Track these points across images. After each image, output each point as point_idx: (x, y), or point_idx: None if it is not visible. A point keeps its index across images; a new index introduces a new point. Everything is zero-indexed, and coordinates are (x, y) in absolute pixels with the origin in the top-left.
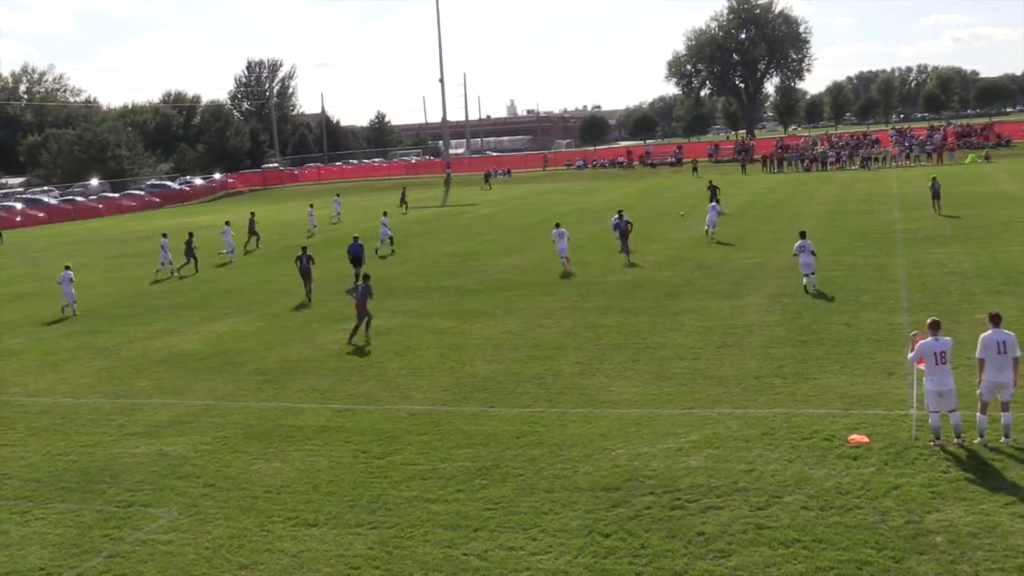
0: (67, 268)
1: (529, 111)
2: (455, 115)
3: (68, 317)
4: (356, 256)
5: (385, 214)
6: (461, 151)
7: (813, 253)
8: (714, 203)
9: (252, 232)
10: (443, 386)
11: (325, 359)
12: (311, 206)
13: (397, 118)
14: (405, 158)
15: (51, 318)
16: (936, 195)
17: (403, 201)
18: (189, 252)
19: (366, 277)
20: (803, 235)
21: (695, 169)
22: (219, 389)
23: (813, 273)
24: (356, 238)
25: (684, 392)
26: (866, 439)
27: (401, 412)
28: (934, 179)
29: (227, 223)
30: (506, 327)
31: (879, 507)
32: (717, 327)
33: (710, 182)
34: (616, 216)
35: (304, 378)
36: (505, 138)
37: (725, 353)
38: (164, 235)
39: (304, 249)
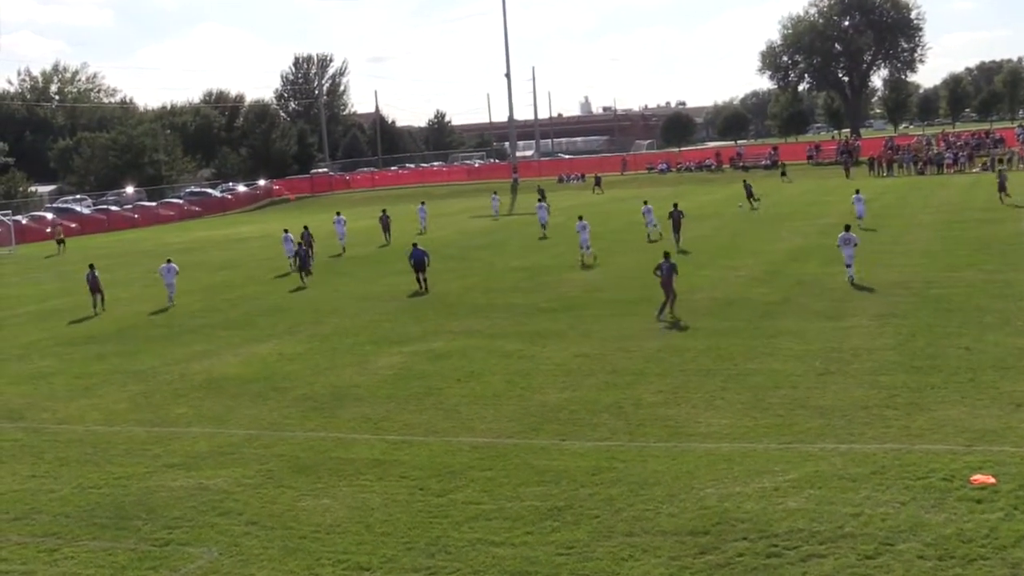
0: (169, 261)
1: (606, 108)
2: (523, 114)
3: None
4: (419, 261)
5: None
6: (530, 153)
7: (856, 245)
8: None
9: (308, 244)
10: (510, 416)
11: (379, 385)
12: (422, 204)
13: (458, 117)
14: (467, 161)
15: (83, 337)
16: None
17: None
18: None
19: (666, 255)
20: (848, 228)
21: (783, 173)
22: (263, 417)
23: (850, 266)
24: (416, 244)
25: (781, 424)
26: (992, 480)
27: (463, 445)
28: None
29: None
30: (580, 350)
31: (1009, 559)
32: (819, 351)
33: (744, 181)
34: (672, 207)
35: (356, 406)
36: (579, 139)
37: (828, 380)
38: (285, 230)
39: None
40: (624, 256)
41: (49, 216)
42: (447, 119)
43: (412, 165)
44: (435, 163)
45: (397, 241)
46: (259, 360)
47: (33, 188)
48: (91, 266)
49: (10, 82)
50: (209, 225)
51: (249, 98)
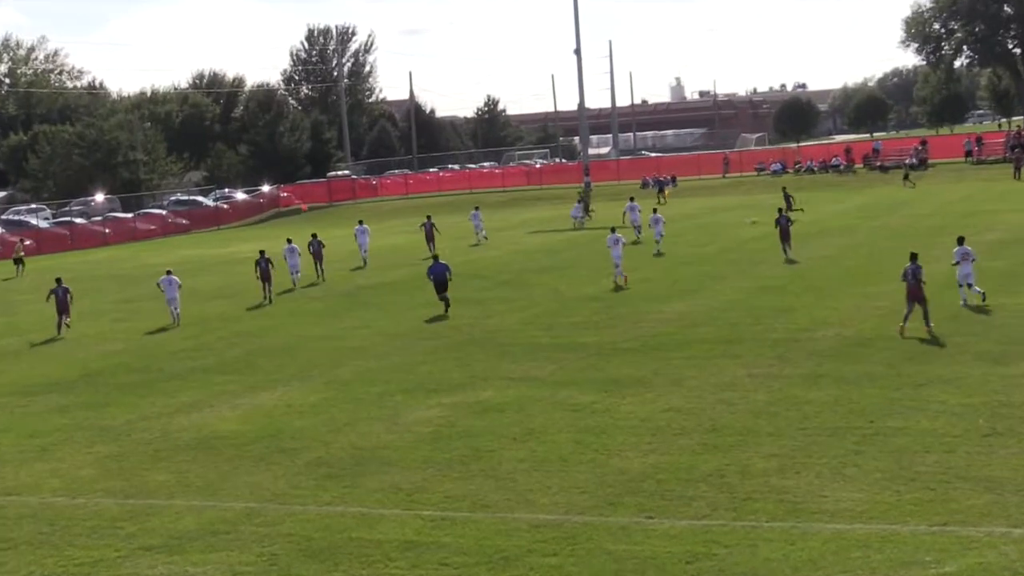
0: (168, 272)
1: (703, 94)
2: (597, 101)
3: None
4: (440, 277)
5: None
6: (606, 151)
7: (974, 260)
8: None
9: (317, 255)
10: (580, 486)
11: (413, 446)
12: (476, 210)
13: (515, 106)
14: (526, 161)
15: (39, 384)
16: None
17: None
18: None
19: (913, 256)
20: (961, 241)
21: (907, 177)
22: (266, 486)
23: (971, 285)
24: (436, 257)
25: (934, 500)
26: None
27: (520, 523)
28: None
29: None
30: (670, 403)
31: None
32: (982, 405)
33: (783, 188)
34: (778, 213)
35: (384, 472)
36: (669, 132)
37: (995, 444)
38: (288, 240)
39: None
40: (728, 281)
41: None
42: (500, 108)
43: (456, 166)
44: (485, 164)
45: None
46: (262, 413)
47: None
48: (59, 280)
49: None
50: (199, 242)
51: (250, 82)
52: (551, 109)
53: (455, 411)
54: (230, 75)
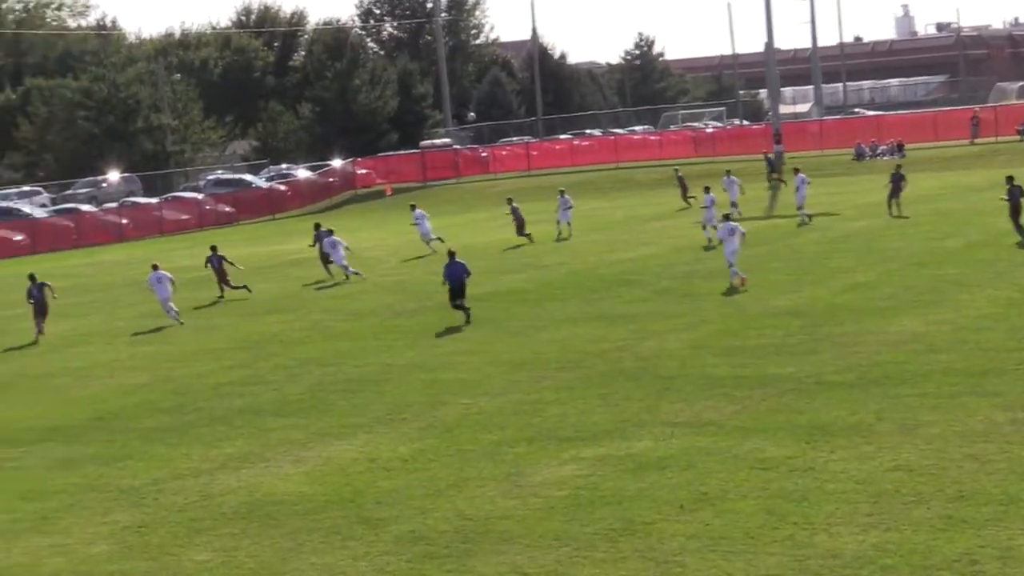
0: (156, 267)
1: (941, 27)
2: (790, 39)
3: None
4: (456, 280)
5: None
6: (804, 108)
7: None
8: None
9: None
10: (773, 574)
11: (542, 515)
12: (562, 193)
13: (677, 47)
14: (694, 124)
15: (37, 428)
16: None
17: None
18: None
19: None
20: None
21: None
22: (342, 570)
23: None
24: (453, 254)
25: None
26: None
27: None
28: None
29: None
30: (899, 458)
31: None
32: None
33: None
34: (1008, 183)
35: (501, 551)
36: (893, 81)
37: None
38: (330, 231)
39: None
40: (979, 290)
41: None
42: (657, 51)
43: (596, 131)
44: (636, 128)
45: (578, 255)
46: (336, 470)
47: None
48: (32, 277)
49: None
50: (248, 236)
51: (314, 18)
52: (727, 52)
53: (599, 468)
54: (287, 9)
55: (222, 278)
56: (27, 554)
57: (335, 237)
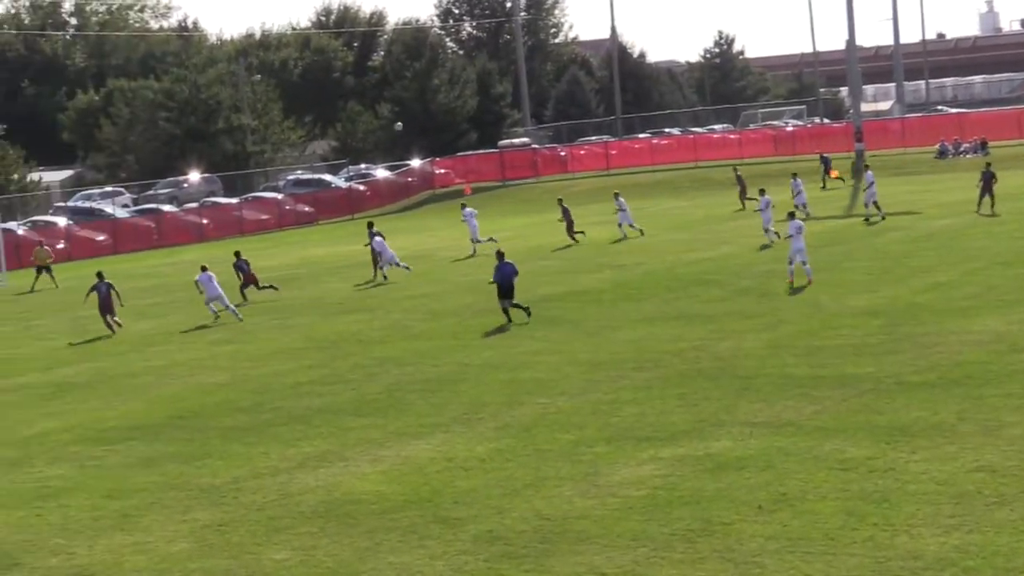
0: (204, 269)
1: None
2: (872, 36)
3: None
4: (506, 280)
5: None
6: (885, 106)
7: None
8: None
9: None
10: (852, 575)
11: (620, 515)
12: (617, 196)
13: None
14: (773, 123)
15: (118, 428)
16: None
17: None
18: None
19: None
20: None
21: None
22: (418, 568)
23: None
24: (502, 255)
25: None
26: None
27: None
28: None
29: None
30: (981, 459)
31: None
32: None
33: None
34: None
35: (579, 551)
36: (976, 79)
37: None
38: (378, 233)
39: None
40: None
41: (61, 222)
42: (737, 49)
43: (676, 130)
44: (716, 126)
45: (657, 255)
46: (414, 469)
47: (36, 175)
48: (100, 275)
49: None
50: (328, 236)
51: (394, 18)
52: (807, 50)
53: (677, 468)
54: (366, 9)
55: (251, 281)
56: (110, 552)
57: (380, 238)
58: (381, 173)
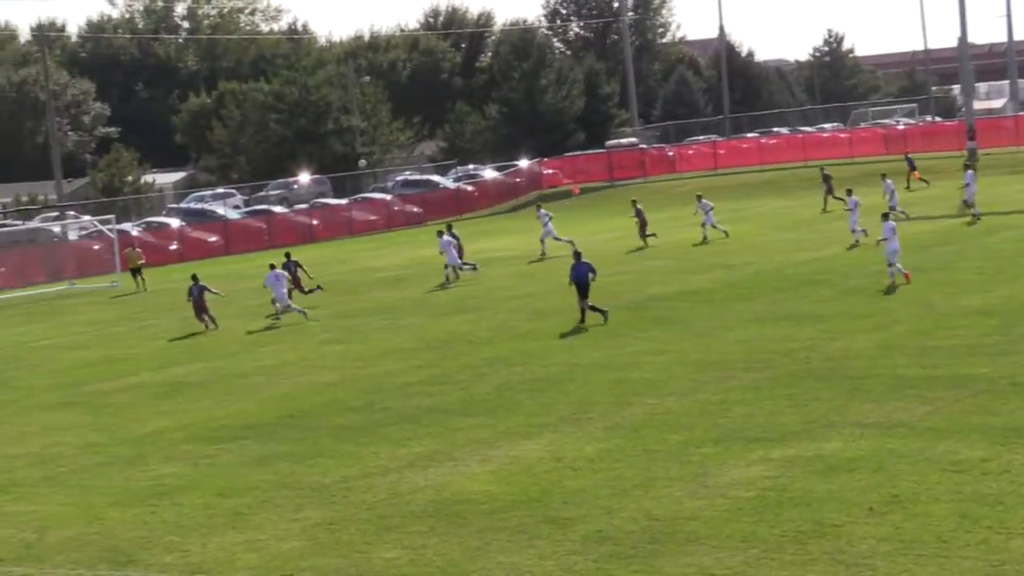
0: (272, 267)
1: None
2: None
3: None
4: (582, 280)
5: None
6: (999, 104)
7: None
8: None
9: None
10: None
11: (729, 516)
12: (700, 199)
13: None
14: (884, 121)
15: (231, 427)
16: None
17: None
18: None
19: None
20: None
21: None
22: (528, 568)
23: None
24: (579, 255)
25: None
26: None
27: None
28: None
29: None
30: None
31: None
32: None
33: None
34: None
35: (688, 552)
36: None
37: None
38: (450, 232)
39: (577, 255)
40: None
41: (174, 224)
42: (847, 47)
43: (785, 129)
44: (825, 125)
45: (766, 255)
46: (523, 469)
47: (149, 177)
48: (194, 278)
49: (112, 2)
50: (435, 237)
51: (501, 19)
52: (919, 47)
53: (787, 469)
54: (474, 10)
55: (296, 284)
56: (222, 549)
57: (447, 237)
58: (489, 174)
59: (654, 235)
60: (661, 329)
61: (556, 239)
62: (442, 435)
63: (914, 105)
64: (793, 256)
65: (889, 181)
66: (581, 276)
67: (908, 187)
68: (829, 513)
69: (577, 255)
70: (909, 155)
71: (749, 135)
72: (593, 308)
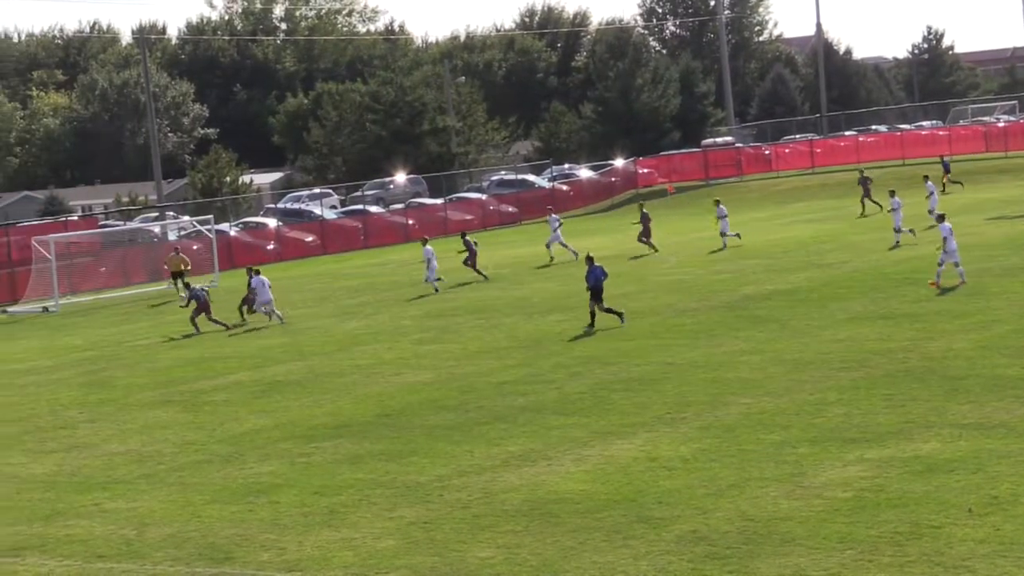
0: (257, 273)
1: None
2: None
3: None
4: (597, 283)
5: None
6: None
7: None
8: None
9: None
10: None
11: (825, 517)
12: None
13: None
14: (984, 119)
15: (325, 426)
16: None
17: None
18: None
19: None
20: None
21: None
22: (622, 568)
23: None
24: (592, 259)
25: None
26: None
27: None
28: None
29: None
30: None
31: None
32: None
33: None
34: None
35: (784, 553)
36: None
37: None
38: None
39: (590, 259)
40: None
41: (272, 224)
42: (947, 44)
43: (883, 127)
44: (924, 123)
45: (860, 254)
46: (617, 469)
47: (248, 178)
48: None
49: (212, 4)
50: (531, 236)
51: (597, 18)
52: (1020, 44)
53: (884, 470)
54: (570, 10)
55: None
56: (318, 547)
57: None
58: (584, 173)
59: (652, 245)
60: (757, 328)
61: (563, 245)
62: (536, 434)
63: (1014, 102)
64: (890, 255)
65: (931, 183)
66: (596, 279)
67: (944, 190)
68: (927, 514)
69: (590, 259)
70: (944, 158)
71: (847, 133)
72: (608, 310)
